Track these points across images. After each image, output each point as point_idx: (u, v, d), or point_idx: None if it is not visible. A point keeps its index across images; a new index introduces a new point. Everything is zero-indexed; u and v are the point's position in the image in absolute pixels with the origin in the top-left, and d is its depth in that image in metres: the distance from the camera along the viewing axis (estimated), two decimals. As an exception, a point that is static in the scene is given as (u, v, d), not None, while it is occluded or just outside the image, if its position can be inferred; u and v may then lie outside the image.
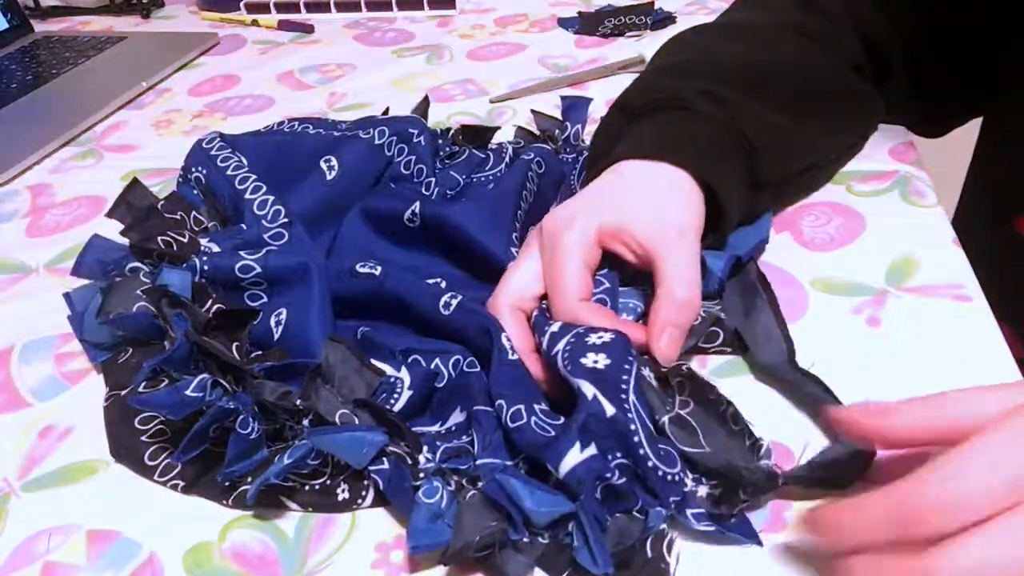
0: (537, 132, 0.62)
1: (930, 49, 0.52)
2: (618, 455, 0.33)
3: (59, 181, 0.65)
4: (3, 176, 0.65)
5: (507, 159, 0.55)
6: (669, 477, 0.33)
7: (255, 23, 0.93)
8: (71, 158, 0.68)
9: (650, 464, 0.33)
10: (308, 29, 0.90)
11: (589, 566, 0.31)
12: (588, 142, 0.59)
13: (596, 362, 0.35)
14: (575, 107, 0.61)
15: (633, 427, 0.33)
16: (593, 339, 0.36)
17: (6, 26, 0.92)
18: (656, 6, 0.83)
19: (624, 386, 0.34)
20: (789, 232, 0.48)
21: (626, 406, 0.34)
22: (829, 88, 0.50)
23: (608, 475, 0.33)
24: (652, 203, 0.40)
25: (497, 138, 0.60)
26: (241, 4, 0.95)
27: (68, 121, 0.72)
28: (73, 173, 0.66)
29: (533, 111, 0.63)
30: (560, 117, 0.62)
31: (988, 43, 0.51)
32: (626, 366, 0.35)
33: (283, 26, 0.91)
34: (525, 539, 0.32)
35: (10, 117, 0.74)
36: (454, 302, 0.41)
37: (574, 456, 0.33)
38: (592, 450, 0.33)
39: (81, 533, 0.36)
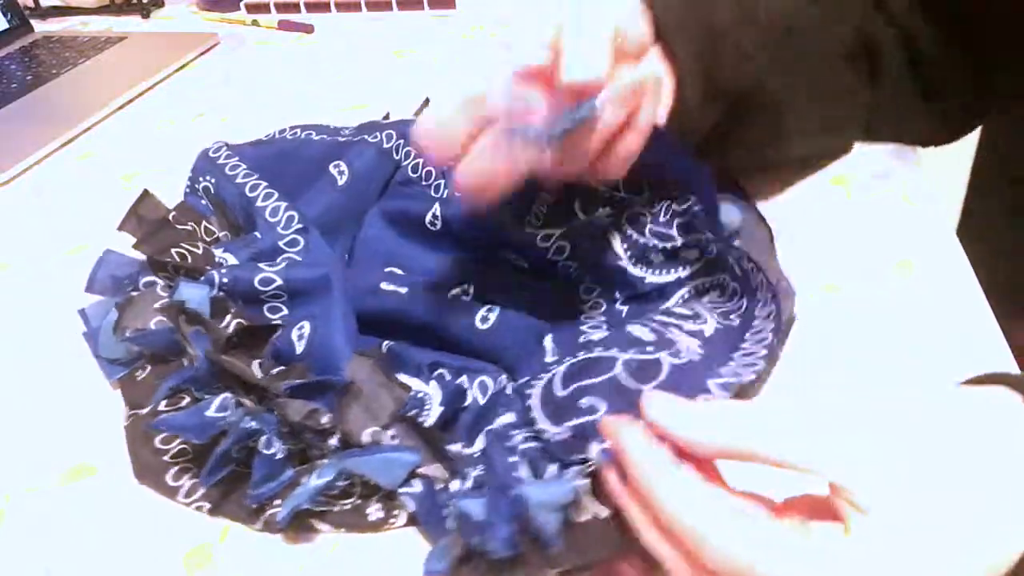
0: None
1: (936, 46, 0.49)
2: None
3: (59, 181, 0.65)
4: (3, 176, 0.65)
5: None
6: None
7: (255, 23, 0.93)
8: (71, 158, 0.68)
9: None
10: (308, 29, 0.90)
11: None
12: None
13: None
14: None
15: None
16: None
17: (6, 26, 0.92)
18: (656, 6, 0.83)
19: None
20: (789, 232, 0.48)
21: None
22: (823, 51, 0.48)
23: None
24: None
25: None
26: (241, 4, 0.95)
27: (68, 121, 0.72)
28: (73, 173, 0.66)
29: None
30: None
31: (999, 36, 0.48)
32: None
33: (283, 26, 0.91)
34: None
35: (10, 117, 0.75)
36: (492, 316, 0.41)
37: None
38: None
39: (81, 534, 0.36)
